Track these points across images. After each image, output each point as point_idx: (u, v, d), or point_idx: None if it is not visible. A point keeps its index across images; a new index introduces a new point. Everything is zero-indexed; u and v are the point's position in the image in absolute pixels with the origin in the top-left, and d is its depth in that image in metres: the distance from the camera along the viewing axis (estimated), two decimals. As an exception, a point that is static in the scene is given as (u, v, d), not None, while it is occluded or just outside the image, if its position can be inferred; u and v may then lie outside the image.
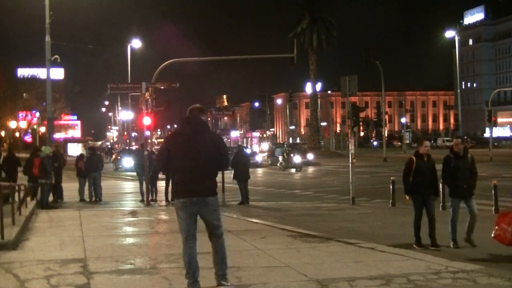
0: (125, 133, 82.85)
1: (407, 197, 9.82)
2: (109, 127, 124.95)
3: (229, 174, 18.70)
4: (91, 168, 18.94)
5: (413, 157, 9.71)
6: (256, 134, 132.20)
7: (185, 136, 6.23)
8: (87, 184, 19.21)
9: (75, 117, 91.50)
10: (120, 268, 7.36)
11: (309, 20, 56.42)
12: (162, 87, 20.38)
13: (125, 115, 68.83)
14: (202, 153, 6.14)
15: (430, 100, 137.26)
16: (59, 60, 28.85)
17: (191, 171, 6.11)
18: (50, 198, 17.53)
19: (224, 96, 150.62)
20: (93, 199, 18.76)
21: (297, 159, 38.18)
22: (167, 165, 6.39)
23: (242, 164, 18.19)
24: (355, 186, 17.56)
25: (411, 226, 9.82)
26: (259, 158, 46.24)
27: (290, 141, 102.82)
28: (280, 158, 39.81)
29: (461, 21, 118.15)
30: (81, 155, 21.31)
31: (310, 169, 39.56)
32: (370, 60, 35.28)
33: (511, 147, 73.64)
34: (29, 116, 66.22)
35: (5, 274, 7.03)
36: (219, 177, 6.93)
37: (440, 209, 15.22)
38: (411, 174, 9.60)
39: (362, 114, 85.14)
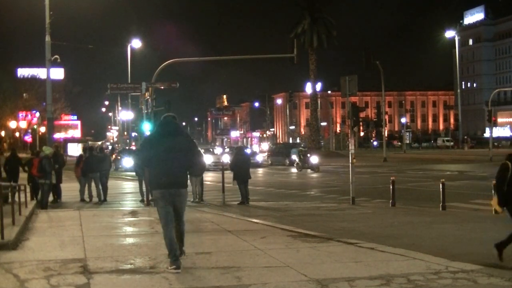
0: (125, 133, 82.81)
1: (499, 209, 8.36)
2: (109, 127, 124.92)
3: (229, 174, 18.70)
4: (88, 169, 18.90)
5: (508, 162, 8.17)
6: (256, 134, 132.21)
7: (164, 137, 7.39)
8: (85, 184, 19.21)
9: (75, 117, 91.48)
10: (120, 268, 7.36)
11: (310, 20, 56.42)
12: (162, 87, 20.44)
13: (125, 115, 68.83)
14: (177, 151, 7.30)
15: (430, 100, 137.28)
16: (59, 60, 28.85)
17: (168, 167, 7.24)
18: (50, 198, 17.55)
19: (224, 96, 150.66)
20: (101, 198, 18.67)
21: (314, 159, 36.61)
22: (149, 161, 7.45)
23: (242, 165, 18.17)
24: (355, 186, 17.56)
25: (411, 226, 9.81)
26: (259, 158, 45.97)
27: (290, 141, 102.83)
28: (296, 159, 37.89)
29: (461, 21, 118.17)
30: (81, 155, 21.26)
31: (310, 169, 39.56)
32: (370, 60, 35.22)
33: (511, 147, 73.60)
34: (29, 116, 66.23)
35: (5, 274, 7.02)
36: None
37: (440, 209, 15.25)
38: (506, 182, 8.10)
39: (362, 114, 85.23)
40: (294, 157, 38.61)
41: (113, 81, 20.01)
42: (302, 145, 43.76)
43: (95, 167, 18.87)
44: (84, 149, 22.66)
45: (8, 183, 13.74)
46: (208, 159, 34.73)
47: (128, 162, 36.98)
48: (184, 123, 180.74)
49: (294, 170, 37.96)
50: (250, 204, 17.60)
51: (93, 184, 19.11)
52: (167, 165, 7.23)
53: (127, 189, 25.20)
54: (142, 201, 18.18)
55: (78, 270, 7.20)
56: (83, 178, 19.20)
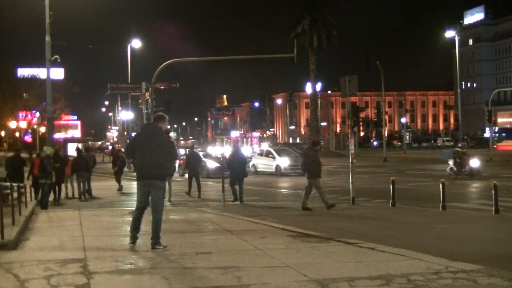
0: (125, 133, 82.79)
1: None
2: (109, 127, 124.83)
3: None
4: (78, 168, 20.25)
5: None
6: (256, 134, 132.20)
7: (144, 137, 8.93)
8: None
9: (75, 117, 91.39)
10: (120, 268, 7.35)
11: (309, 20, 56.39)
12: (162, 87, 20.46)
13: (125, 115, 68.79)
14: (153, 149, 8.70)
15: (430, 100, 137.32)
16: (59, 60, 28.85)
17: (146, 162, 8.75)
18: (51, 197, 17.66)
19: (224, 96, 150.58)
20: (84, 196, 20.23)
21: (474, 163, 27.42)
22: (131, 154, 9.39)
23: (237, 164, 18.32)
24: (355, 186, 17.56)
25: (411, 226, 9.81)
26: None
27: (290, 141, 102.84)
28: (451, 162, 28.07)
29: (461, 21, 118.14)
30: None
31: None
32: (370, 61, 35.18)
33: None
34: (29, 116, 66.15)
35: (5, 274, 7.02)
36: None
37: (440, 209, 15.24)
38: None
39: (362, 114, 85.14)
40: (449, 161, 28.18)
41: (113, 81, 20.02)
42: (459, 145, 31.46)
43: (83, 167, 20.36)
44: (77, 149, 24.49)
45: (8, 183, 13.74)
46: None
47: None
48: (184, 123, 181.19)
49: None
50: (250, 204, 17.62)
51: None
52: (145, 160, 8.76)
53: (127, 189, 25.17)
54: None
55: (78, 270, 7.19)
56: (72, 176, 20.69)
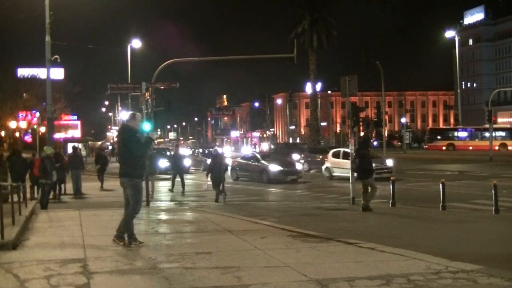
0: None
1: None
2: (109, 127, 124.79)
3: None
4: (73, 166, 21.65)
5: None
6: (256, 134, 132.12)
7: (117, 136, 10.00)
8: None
9: (75, 117, 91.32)
10: (120, 268, 7.35)
11: (309, 20, 56.34)
12: (162, 87, 20.42)
13: (125, 115, 68.80)
14: (120, 148, 9.28)
15: (430, 100, 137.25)
16: (59, 60, 28.89)
17: (119, 160, 9.54)
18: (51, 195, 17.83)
19: (224, 96, 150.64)
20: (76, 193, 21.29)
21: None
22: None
23: (217, 168, 19.21)
24: (355, 186, 17.56)
25: (411, 226, 9.81)
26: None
27: (290, 141, 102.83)
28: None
29: (461, 21, 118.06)
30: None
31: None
32: (370, 60, 35.17)
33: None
34: (29, 116, 66.07)
35: (5, 274, 7.02)
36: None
37: (440, 209, 15.25)
38: None
39: (362, 114, 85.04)
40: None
41: (113, 81, 19.99)
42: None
43: (78, 165, 22.20)
44: (73, 148, 25.09)
45: (8, 183, 13.74)
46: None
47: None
48: (184, 123, 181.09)
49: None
50: (252, 204, 17.71)
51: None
52: (118, 159, 9.67)
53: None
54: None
55: (78, 270, 7.19)
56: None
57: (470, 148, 54.09)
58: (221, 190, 18.80)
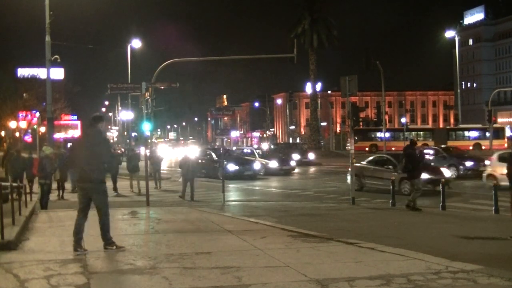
0: (125, 133, 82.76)
1: None
2: (109, 127, 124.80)
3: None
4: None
5: None
6: (256, 134, 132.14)
7: (84, 140, 9.54)
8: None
9: (75, 117, 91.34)
10: (120, 268, 7.35)
11: (310, 20, 56.39)
12: (162, 87, 20.40)
13: (125, 115, 68.76)
14: (88, 152, 8.73)
15: (430, 100, 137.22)
16: (59, 60, 28.88)
17: (83, 165, 8.78)
18: (53, 197, 17.81)
19: (224, 96, 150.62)
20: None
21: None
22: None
23: (188, 166, 20.71)
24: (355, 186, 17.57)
25: (411, 226, 9.81)
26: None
27: (290, 141, 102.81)
28: None
29: (461, 21, 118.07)
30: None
31: (311, 169, 39.57)
32: (370, 60, 35.24)
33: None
34: (29, 116, 66.05)
35: (5, 274, 7.02)
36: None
37: (440, 209, 15.25)
38: None
39: (362, 114, 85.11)
40: None
41: (113, 81, 19.97)
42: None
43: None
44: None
45: (8, 183, 13.74)
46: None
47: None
48: (184, 123, 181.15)
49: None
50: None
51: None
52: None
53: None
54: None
55: (78, 270, 7.19)
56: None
57: (393, 149, 54.13)
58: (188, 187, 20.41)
